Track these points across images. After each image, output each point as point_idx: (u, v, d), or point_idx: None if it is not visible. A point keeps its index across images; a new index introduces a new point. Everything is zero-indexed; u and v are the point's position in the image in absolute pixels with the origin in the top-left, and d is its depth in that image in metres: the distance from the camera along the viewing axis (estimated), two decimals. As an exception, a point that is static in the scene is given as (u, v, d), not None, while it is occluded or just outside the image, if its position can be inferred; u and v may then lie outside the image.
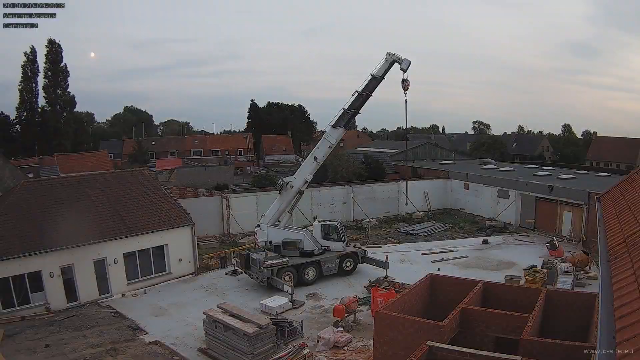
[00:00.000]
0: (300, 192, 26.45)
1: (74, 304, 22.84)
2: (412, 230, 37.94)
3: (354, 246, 28.32)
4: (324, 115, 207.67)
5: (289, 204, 26.58)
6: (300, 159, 75.28)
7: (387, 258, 26.43)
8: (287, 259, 24.94)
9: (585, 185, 35.61)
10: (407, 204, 38.21)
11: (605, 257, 6.72)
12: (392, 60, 25.32)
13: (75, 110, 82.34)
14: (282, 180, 26.74)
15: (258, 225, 26.74)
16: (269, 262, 24.23)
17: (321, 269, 25.83)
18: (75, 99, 79.07)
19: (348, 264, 26.90)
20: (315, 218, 27.85)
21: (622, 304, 4.69)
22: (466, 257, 30.07)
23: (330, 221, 27.97)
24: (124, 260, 24.69)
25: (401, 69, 25.26)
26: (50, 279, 22.05)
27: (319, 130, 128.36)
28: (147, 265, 25.83)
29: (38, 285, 21.89)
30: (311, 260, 25.64)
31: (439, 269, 26.53)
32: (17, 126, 75.00)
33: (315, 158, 26.36)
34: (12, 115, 74.09)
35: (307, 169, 26.63)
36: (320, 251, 26.17)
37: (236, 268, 26.93)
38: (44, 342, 18.65)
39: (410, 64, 25.05)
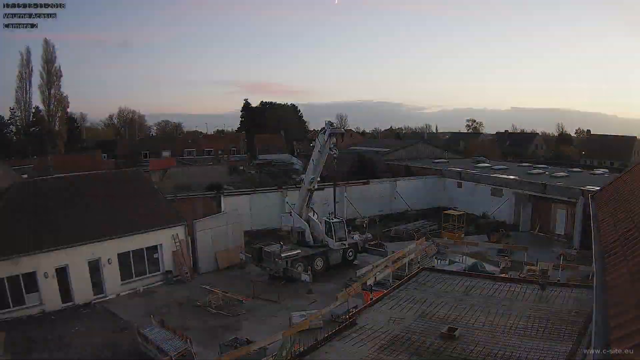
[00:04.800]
0: (310, 190, 28.20)
1: (69, 304, 22.77)
2: (404, 227, 37.98)
3: (352, 237, 29.85)
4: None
5: (304, 199, 28.48)
6: (293, 158, 75.03)
7: (385, 246, 29.52)
8: (300, 250, 26.94)
9: (578, 183, 35.83)
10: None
11: (600, 254, 6.79)
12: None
13: (68, 110, 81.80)
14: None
15: (289, 212, 29.44)
16: (285, 253, 25.95)
17: (328, 259, 27.91)
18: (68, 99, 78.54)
19: (350, 254, 29.02)
20: (330, 214, 29.76)
21: (617, 301, 4.74)
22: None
23: (332, 218, 29.13)
24: (119, 260, 24.65)
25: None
26: (45, 279, 21.98)
27: (312, 129, 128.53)
28: (142, 265, 25.80)
29: (33, 285, 21.81)
30: (320, 251, 27.71)
31: (434, 265, 26.56)
32: (11, 127, 74.50)
33: (313, 160, 28.52)
34: (6, 116, 73.69)
35: (308, 168, 29.14)
36: (317, 244, 27.98)
37: (244, 260, 28.68)
38: (38, 343, 18.58)
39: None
